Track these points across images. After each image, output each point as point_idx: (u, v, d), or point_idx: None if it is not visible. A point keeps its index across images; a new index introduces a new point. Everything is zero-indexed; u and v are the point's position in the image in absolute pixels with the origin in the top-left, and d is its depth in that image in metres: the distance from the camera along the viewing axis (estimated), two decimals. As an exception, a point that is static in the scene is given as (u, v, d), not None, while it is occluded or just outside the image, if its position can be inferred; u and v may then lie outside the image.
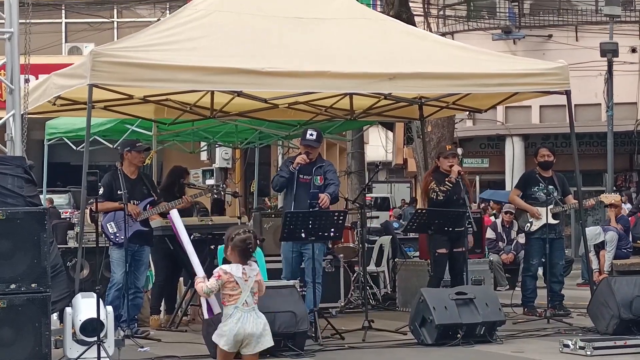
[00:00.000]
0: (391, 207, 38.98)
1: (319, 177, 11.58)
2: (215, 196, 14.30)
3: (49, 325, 8.25)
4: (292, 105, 13.32)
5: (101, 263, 11.65)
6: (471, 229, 12.06)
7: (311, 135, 11.53)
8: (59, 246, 10.85)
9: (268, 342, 7.25)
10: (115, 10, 30.05)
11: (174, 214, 8.05)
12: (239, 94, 11.97)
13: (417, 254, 15.41)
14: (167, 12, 27.17)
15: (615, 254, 17.48)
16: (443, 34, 27.34)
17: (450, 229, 11.86)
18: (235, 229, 7.41)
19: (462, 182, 12.12)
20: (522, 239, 16.22)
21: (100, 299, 9.07)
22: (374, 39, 11.99)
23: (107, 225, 11.32)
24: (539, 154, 13.31)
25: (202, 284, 7.31)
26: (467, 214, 11.90)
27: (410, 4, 19.57)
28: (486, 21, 31.37)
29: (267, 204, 21.85)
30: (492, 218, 21.02)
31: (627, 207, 18.95)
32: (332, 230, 11.13)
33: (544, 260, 13.01)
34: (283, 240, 11.31)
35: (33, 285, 8.16)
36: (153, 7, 29.66)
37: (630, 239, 17.95)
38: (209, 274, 9.66)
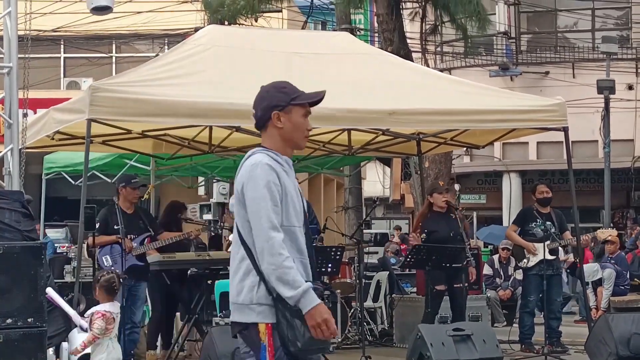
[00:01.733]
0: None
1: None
2: (212, 234, 14.30)
3: (45, 360, 8.24)
4: (290, 140, 13.32)
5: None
6: (468, 264, 12.05)
7: None
8: (55, 280, 10.83)
9: None
10: (113, 45, 30.14)
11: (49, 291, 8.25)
12: (238, 129, 11.99)
13: (415, 289, 15.38)
14: (166, 47, 27.27)
15: (613, 291, 17.46)
16: (441, 71, 27.42)
17: (448, 265, 11.85)
18: (100, 272, 8.76)
19: (459, 218, 12.13)
20: (519, 275, 16.18)
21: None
22: (373, 74, 12.02)
23: (103, 258, 11.32)
24: (537, 191, 13.31)
25: (91, 331, 8.32)
26: (465, 249, 11.90)
27: (408, 41, 19.64)
28: (483, 58, 31.48)
29: None
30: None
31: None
32: (330, 265, 11.13)
33: (541, 296, 12.99)
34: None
35: (29, 319, 8.12)
36: (152, 42, 29.77)
37: (628, 276, 17.93)
38: (208, 307, 9.83)
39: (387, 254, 22.20)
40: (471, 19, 19.11)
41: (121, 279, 8.79)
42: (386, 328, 15.04)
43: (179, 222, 12.93)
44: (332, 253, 11.25)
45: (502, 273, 18.43)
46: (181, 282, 12.72)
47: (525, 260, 13.09)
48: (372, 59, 12.56)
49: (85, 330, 8.21)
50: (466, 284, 12.02)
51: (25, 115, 10.29)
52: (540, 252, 12.82)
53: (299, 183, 12.21)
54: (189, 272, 12.73)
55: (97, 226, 10.81)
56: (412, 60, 17.42)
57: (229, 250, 14.47)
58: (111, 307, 8.43)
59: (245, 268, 4.76)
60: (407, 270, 16.54)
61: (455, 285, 11.98)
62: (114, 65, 29.73)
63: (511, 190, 31.71)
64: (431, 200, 12.34)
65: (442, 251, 11.82)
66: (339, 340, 13.66)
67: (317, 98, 5.09)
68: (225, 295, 12.41)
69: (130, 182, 11.70)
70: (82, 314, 8.54)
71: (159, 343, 12.68)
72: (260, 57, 11.80)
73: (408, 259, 12.40)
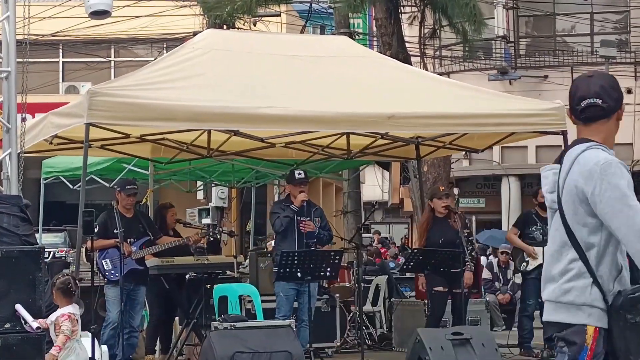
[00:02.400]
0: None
1: (317, 219, 11.67)
2: (212, 239, 14.28)
3: (43, 364, 8.23)
4: (289, 144, 13.33)
5: (96, 302, 11.62)
6: (463, 269, 12.01)
7: (300, 174, 11.71)
8: (54, 285, 10.82)
9: None
10: (112, 50, 30.16)
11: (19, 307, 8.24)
12: (236, 132, 11.98)
13: (414, 293, 15.37)
14: (164, 51, 27.27)
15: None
16: (439, 74, 27.41)
17: (446, 269, 11.82)
18: (57, 276, 8.70)
19: (460, 222, 12.10)
20: (518, 279, 16.18)
21: (96, 338, 9.04)
22: (372, 77, 12.02)
23: (103, 262, 11.30)
24: (539, 195, 13.29)
25: (62, 332, 8.25)
26: (464, 253, 11.86)
27: (407, 45, 19.64)
28: (482, 62, 31.49)
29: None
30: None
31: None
32: (328, 269, 11.12)
33: (540, 300, 12.97)
34: (279, 280, 11.26)
35: (26, 325, 8.12)
36: (150, 46, 29.78)
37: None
38: (207, 311, 9.75)
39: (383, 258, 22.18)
40: (469, 23, 19.11)
41: (77, 282, 8.75)
42: (385, 332, 15.03)
43: (167, 223, 12.79)
44: (331, 257, 11.23)
45: (501, 277, 18.42)
46: (180, 286, 12.71)
47: (524, 263, 13.09)
48: (371, 63, 12.55)
49: (38, 329, 8.10)
50: (465, 290, 11.98)
51: (23, 119, 10.27)
52: (540, 256, 12.82)
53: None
54: (187, 276, 12.72)
55: (96, 230, 10.80)
56: (410, 64, 17.42)
57: (227, 254, 14.48)
58: (73, 309, 8.42)
59: (578, 270, 4.58)
60: (406, 274, 16.53)
61: (454, 290, 11.95)
62: (112, 70, 29.75)
63: (510, 194, 31.69)
64: (432, 205, 12.31)
65: (441, 255, 11.80)
66: (338, 344, 13.65)
67: None
68: (223, 300, 12.40)
69: (125, 188, 11.66)
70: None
71: (157, 348, 12.67)
72: (259, 61, 11.80)
73: (407, 263, 12.38)
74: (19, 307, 8.07)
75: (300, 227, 11.49)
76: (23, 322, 8.07)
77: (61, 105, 11.57)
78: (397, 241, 41.57)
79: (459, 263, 11.76)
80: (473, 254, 12.58)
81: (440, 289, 11.91)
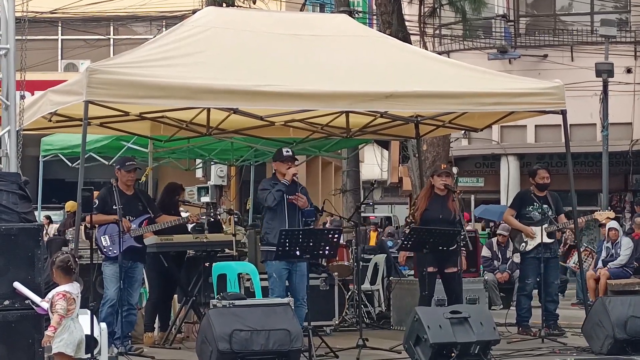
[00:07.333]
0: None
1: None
2: (212, 220, 14.29)
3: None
4: (288, 122, 13.32)
5: (95, 279, 11.63)
6: (464, 249, 12.00)
7: (287, 151, 11.64)
8: (53, 262, 10.83)
9: None
10: (111, 27, 30.10)
11: (17, 285, 8.24)
12: (235, 111, 11.97)
13: (412, 272, 15.39)
14: (164, 29, 27.21)
15: (614, 274, 17.34)
16: (439, 54, 27.37)
17: (444, 248, 11.80)
18: (56, 254, 8.56)
19: (454, 203, 12.08)
20: (517, 258, 16.18)
21: (95, 316, 9.05)
22: (371, 56, 12.00)
23: (102, 238, 11.29)
24: (538, 175, 13.24)
25: (56, 312, 8.12)
26: (463, 233, 11.84)
27: (406, 24, 19.61)
28: (482, 41, 31.44)
29: None
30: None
31: None
32: (327, 248, 11.11)
33: (539, 279, 13.00)
34: (278, 259, 11.23)
35: (27, 301, 8.15)
36: (149, 24, 29.72)
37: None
38: (205, 289, 9.66)
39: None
40: (469, 1, 19.10)
41: (77, 259, 8.65)
42: (383, 311, 15.05)
43: (176, 204, 12.92)
44: (330, 235, 11.22)
45: (500, 256, 18.43)
46: (178, 264, 12.73)
47: (523, 244, 13.09)
48: (370, 41, 12.53)
49: (46, 312, 8.10)
50: (459, 270, 11.95)
51: (22, 97, 10.26)
52: (538, 235, 12.83)
53: (297, 165, 12.20)
54: (186, 254, 12.74)
55: (95, 204, 10.80)
56: (410, 43, 17.40)
57: (228, 232, 14.47)
58: (70, 288, 8.30)
59: None
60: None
61: (446, 271, 11.90)
62: (111, 48, 29.69)
63: (509, 173, 31.71)
64: (432, 182, 12.28)
65: (439, 234, 11.77)
66: (336, 322, 13.67)
67: None
68: (222, 278, 12.42)
69: (125, 164, 11.65)
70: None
71: (156, 325, 12.69)
72: (259, 39, 11.78)
73: (405, 242, 12.35)
74: (22, 288, 8.08)
75: (293, 200, 11.41)
76: (31, 303, 8.09)
77: (60, 83, 11.55)
78: (401, 221, 41.60)
79: (454, 242, 11.75)
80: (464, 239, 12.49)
81: (431, 269, 11.87)
